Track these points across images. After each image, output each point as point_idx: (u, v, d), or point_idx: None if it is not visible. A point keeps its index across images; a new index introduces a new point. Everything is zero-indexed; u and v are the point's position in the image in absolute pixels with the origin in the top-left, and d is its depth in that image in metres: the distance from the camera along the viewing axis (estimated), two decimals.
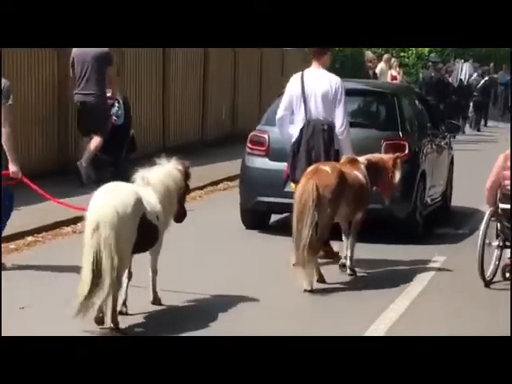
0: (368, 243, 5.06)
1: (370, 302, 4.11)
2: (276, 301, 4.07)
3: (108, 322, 3.29)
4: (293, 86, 4.85)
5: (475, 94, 14.90)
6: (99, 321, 3.29)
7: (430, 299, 4.40)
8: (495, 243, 4.54)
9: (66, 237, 5.59)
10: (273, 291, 4.24)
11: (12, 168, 4.25)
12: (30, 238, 5.34)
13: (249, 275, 4.59)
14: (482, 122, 15.75)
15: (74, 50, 6.89)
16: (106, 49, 6.71)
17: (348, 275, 4.58)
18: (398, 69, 13.79)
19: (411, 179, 5.57)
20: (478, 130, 15.11)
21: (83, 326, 3.23)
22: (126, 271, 3.51)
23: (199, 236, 5.57)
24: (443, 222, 6.67)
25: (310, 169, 4.42)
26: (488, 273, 4.53)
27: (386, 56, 13.64)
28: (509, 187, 4.34)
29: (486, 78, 15.90)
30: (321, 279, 4.36)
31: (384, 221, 5.51)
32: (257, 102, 12.17)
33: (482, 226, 4.48)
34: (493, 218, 4.51)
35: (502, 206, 4.46)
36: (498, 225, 4.54)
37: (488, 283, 4.51)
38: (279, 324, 3.59)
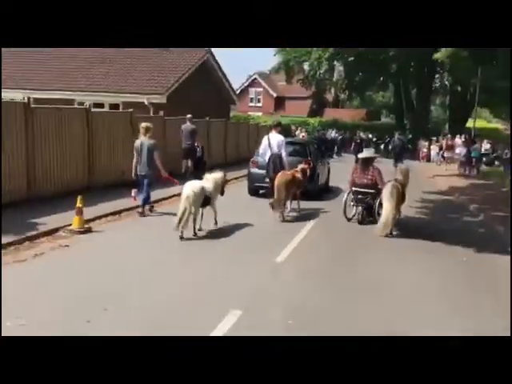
0: (301, 201, 10.28)
1: (295, 223, 9.33)
2: (263, 223, 9.01)
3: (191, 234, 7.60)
4: (265, 140, 10.48)
5: (337, 142, 32.12)
6: (181, 237, 7.39)
7: (320, 225, 9.30)
8: (352, 203, 9.43)
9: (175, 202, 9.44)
10: (262, 219, 9.22)
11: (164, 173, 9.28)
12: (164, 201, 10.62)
13: (251, 210, 10.14)
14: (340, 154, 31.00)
15: (183, 126, 14.19)
16: (194, 126, 14.24)
17: (293, 215, 9.85)
18: (304, 132, 30.54)
19: (314, 175, 11.67)
20: (339, 156, 29.51)
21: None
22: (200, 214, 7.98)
23: (233, 196, 10.73)
24: (327, 192, 13.36)
25: (280, 173, 9.56)
26: (350, 216, 9.41)
27: (298, 127, 33.38)
28: (355, 180, 9.31)
29: (340, 137, 33.95)
30: (283, 217, 9.27)
31: (307, 192, 10.76)
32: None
33: (345, 196, 9.48)
34: (350, 194, 9.38)
35: (353, 188, 9.32)
36: (352, 195, 9.36)
37: (348, 220, 9.39)
38: (262, 228, 8.65)
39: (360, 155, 9.71)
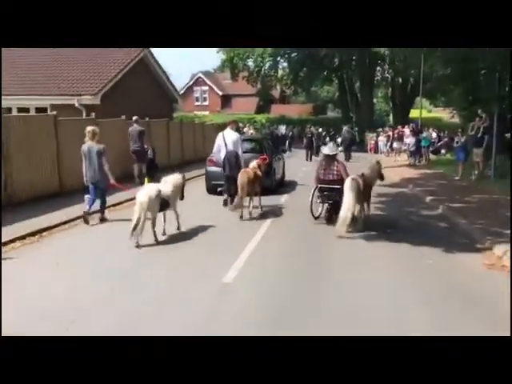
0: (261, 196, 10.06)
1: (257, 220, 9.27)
2: (225, 219, 9.14)
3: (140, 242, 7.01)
4: (219, 137, 10.25)
5: (287, 138, 32.67)
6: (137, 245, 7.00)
7: (284, 220, 9.37)
8: (318, 200, 9.06)
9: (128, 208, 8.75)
10: (223, 216, 9.44)
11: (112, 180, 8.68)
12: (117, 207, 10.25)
13: (209, 208, 10.42)
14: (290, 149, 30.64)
15: (130, 129, 13.79)
16: (142, 128, 13.90)
17: (259, 212, 9.74)
18: (252, 130, 30.47)
19: (270, 170, 11.78)
20: (290, 151, 29.15)
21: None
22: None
23: (193, 194, 11.07)
24: (283, 186, 13.72)
25: (243, 170, 9.48)
26: (316, 214, 9.05)
27: (246, 125, 32.71)
28: (320, 176, 8.89)
29: (290, 132, 34.65)
30: (242, 216, 9.14)
31: (266, 187, 10.78)
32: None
33: (311, 193, 9.03)
34: (316, 191, 8.97)
35: (319, 185, 8.89)
36: (318, 192, 8.97)
37: (316, 218, 9.00)
38: (223, 224, 8.74)
39: (324, 151, 9.19)
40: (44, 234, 7.96)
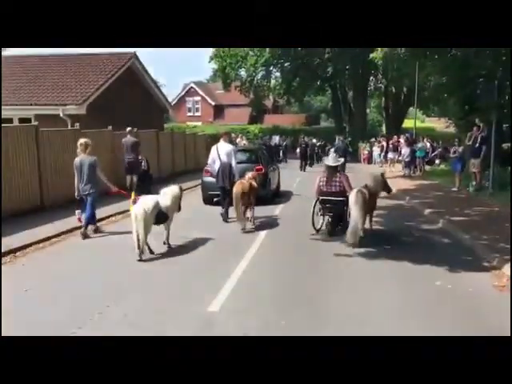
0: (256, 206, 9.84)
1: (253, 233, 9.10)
2: (224, 232, 9.13)
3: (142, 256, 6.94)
4: (213, 150, 10.29)
5: (281, 148, 32.75)
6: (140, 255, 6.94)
7: (279, 234, 9.09)
8: (319, 213, 8.71)
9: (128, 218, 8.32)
10: (221, 227, 9.59)
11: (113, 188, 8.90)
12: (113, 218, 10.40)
13: (206, 218, 10.57)
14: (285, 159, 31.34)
15: (123, 140, 13.63)
16: (136, 139, 13.86)
17: (251, 226, 9.41)
18: (245, 140, 28.37)
19: (265, 180, 12.15)
20: (286, 162, 29.99)
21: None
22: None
23: (190, 204, 11.41)
24: (279, 197, 13.72)
25: (238, 181, 9.35)
26: (318, 226, 8.68)
27: (239, 135, 29.78)
28: (322, 188, 8.54)
29: (284, 143, 34.90)
30: (244, 228, 9.01)
31: (261, 197, 10.79)
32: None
33: (312, 205, 8.64)
34: (318, 203, 8.64)
35: (320, 197, 8.55)
36: (319, 205, 8.65)
37: (317, 231, 8.63)
38: (226, 237, 8.58)
39: (326, 162, 8.78)
40: (17, 254, 7.41)
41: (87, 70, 16.61)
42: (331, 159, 8.71)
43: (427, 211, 11.22)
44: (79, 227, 8.64)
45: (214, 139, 27.49)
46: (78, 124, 12.73)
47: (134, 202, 10.40)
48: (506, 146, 16.35)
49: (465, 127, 18.14)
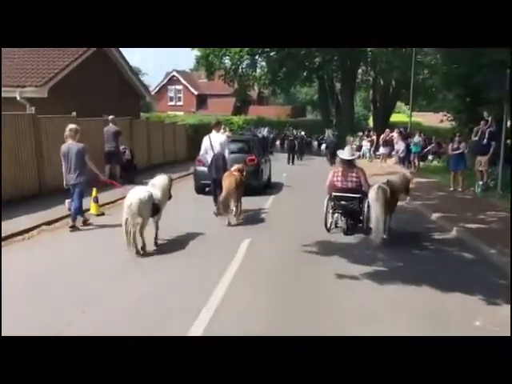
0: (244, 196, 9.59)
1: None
2: (212, 223, 8.88)
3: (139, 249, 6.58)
4: (206, 140, 9.96)
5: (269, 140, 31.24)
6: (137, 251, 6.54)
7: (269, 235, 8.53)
8: (331, 210, 8.13)
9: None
10: (210, 219, 9.14)
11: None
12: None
13: (198, 209, 10.47)
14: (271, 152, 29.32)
15: (105, 128, 13.25)
16: (117, 128, 13.35)
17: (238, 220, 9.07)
18: (228, 132, 24.43)
19: (257, 171, 12.40)
20: (272, 154, 27.02)
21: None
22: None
23: (183, 192, 11.98)
24: (270, 188, 13.81)
25: (227, 173, 9.16)
26: (328, 225, 8.12)
27: (223, 126, 28.72)
28: (337, 184, 8.00)
29: (272, 135, 33.94)
30: (229, 222, 8.75)
31: (253, 188, 11.49)
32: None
33: (325, 203, 8.05)
34: (330, 201, 8.07)
35: (333, 193, 7.99)
36: (332, 202, 8.09)
37: (328, 230, 8.08)
38: (213, 230, 8.28)
39: (341, 156, 8.13)
40: None
41: (52, 50, 14.77)
42: (347, 152, 8.10)
43: (435, 216, 9.85)
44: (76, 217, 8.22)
45: (196, 130, 25.94)
46: (33, 108, 11.02)
47: (96, 200, 9.16)
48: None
49: (467, 121, 16.83)
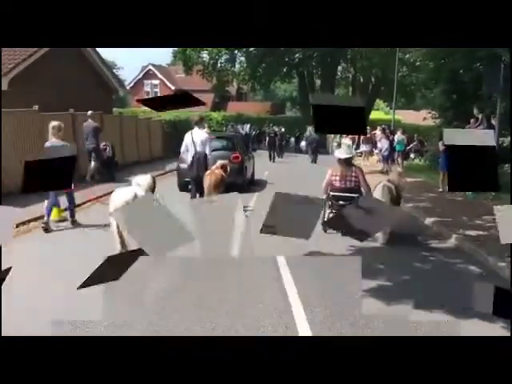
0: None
1: None
2: None
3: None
4: (187, 137, 9.66)
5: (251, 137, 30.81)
6: None
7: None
8: (328, 210, 7.96)
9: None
10: None
11: None
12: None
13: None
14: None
15: (84, 124, 12.98)
16: (96, 124, 13.19)
17: None
18: (206, 128, 27.62)
19: (241, 169, 12.60)
20: (254, 151, 26.07)
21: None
22: None
23: (168, 189, 10.82)
24: (254, 185, 14.00)
25: (208, 171, 9.15)
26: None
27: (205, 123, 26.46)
28: (335, 183, 7.94)
29: (254, 132, 32.94)
30: None
31: (237, 185, 11.08)
32: None
33: (323, 202, 7.56)
34: (327, 201, 8.00)
35: (331, 193, 8.00)
36: (329, 202, 8.01)
37: (325, 230, 7.16)
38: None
39: (339, 155, 8.22)
40: None
41: None
42: (343, 151, 8.05)
43: (429, 220, 9.22)
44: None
45: (173, 127, 24.97)
46: None
47: (57, 204, 8.21)
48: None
49: (452, 119, 16.34)
